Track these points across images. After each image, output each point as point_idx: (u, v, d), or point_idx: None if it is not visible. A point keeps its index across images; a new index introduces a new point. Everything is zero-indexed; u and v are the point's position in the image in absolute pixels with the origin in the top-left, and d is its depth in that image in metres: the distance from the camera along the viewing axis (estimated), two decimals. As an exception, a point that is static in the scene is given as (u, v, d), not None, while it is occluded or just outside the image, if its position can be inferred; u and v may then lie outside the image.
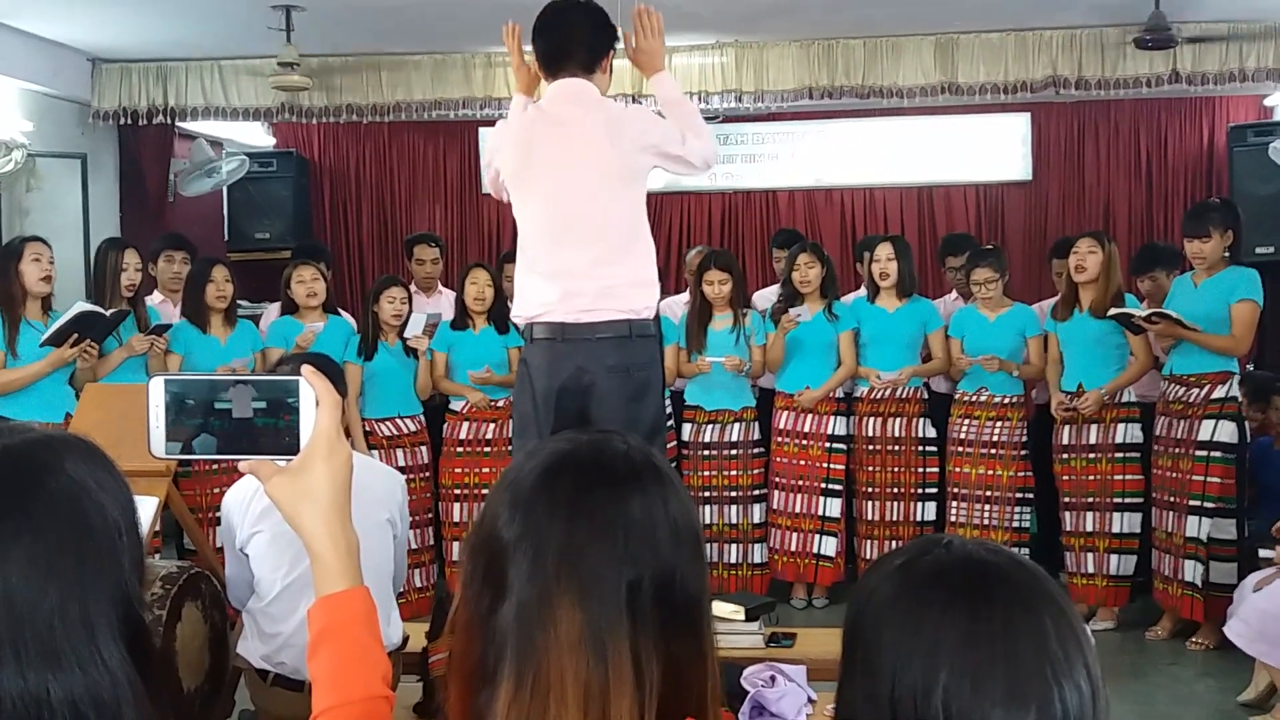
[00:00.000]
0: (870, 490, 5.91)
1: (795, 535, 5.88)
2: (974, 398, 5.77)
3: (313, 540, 1.25)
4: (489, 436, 5.78)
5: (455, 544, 5.79)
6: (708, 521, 5.80)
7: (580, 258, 3.33)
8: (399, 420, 5.74)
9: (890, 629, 1.05)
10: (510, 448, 5.44)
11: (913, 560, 1.09)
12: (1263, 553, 4.62)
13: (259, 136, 8.24)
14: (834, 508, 5.86)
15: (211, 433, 1.23)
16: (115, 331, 5.13)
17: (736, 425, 5.90)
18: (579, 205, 3.33)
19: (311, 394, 1.24)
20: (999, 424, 5.71)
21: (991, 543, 1.12)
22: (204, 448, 1.24)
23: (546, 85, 3.49)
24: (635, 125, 3.42)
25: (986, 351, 5.69)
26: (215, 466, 5.03)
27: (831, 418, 5.86)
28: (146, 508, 3.17)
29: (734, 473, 5.90)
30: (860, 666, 1.07)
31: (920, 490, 5.86)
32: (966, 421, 5.78)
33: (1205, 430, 5.11)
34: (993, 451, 5.71)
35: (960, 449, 5.79)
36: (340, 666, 1.22)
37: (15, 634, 0.99)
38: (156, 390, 1.23)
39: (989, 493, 5.72)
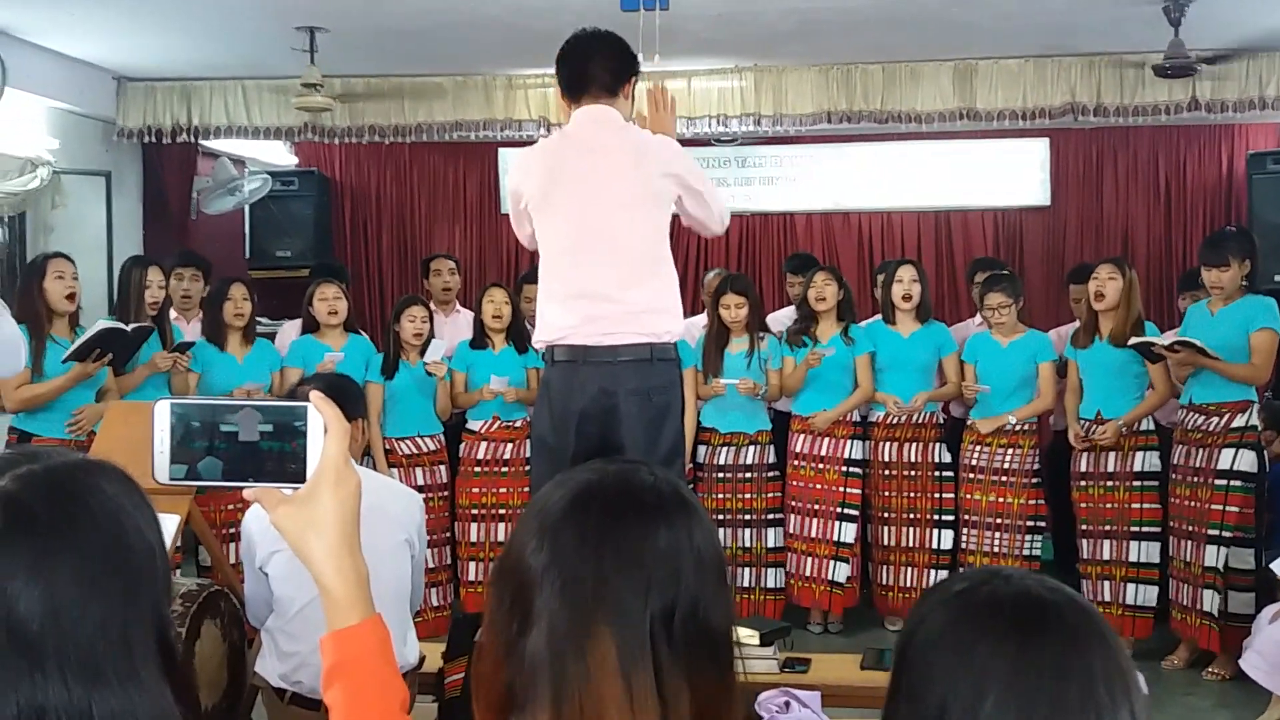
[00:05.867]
0: (886, 515, 5.90)
1: (810, 560, 5.87)
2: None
3: (321, 573, 1.23)
4: (506, 456, 5.79)
5: (471, 564, 5.81)
6: (721, 545, 5.79)
7: (604, 277, 3.36)
8: (419, 439, 5.77)
9: (941, 653, 1.08)
10: (528, 468, 5.47)
11: (970, 589, 1.12)
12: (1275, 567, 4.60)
13: (281, 155, 8.31)
14: (849, 533, 5.84)
15: (217, 456, 1.21)
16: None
17: (751, 448, 5.90)
18: (604, 225, 3.37)
19: (320, 420, 1.22)
20: (1010, 451, 5.70)
21: (1051, 580, 1.13)
22: (210, 472, 1.22)
23: (571, 112, 3.54)
24: (661, 152, 3.45)
25: (999, 376, 5.69)
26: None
27: (848, 442, 5.86)
28: (169, 525, 3.19)
29: (748, 496, 5.90)
30: (906, 689, 1.10)
31: (937, 516, 5.85)
32: (978, 448, 5.77)
33: (1225, 459, 5.09)
34: (1004, 479, 5.70)
35: (971, 475, 5.78)
36: (357, 701, 1.22)
37: (61, 647, 1.00)
38: (162, 413, 1.21)
39: (1000, 520, 5.71)
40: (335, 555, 1.23)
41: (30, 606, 1.00)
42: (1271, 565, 4.75)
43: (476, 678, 1.19)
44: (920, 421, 5.86)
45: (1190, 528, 5.23)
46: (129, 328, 5.01)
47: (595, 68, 3.45)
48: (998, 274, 6.09)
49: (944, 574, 5.75)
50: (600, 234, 3.37)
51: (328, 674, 1.23)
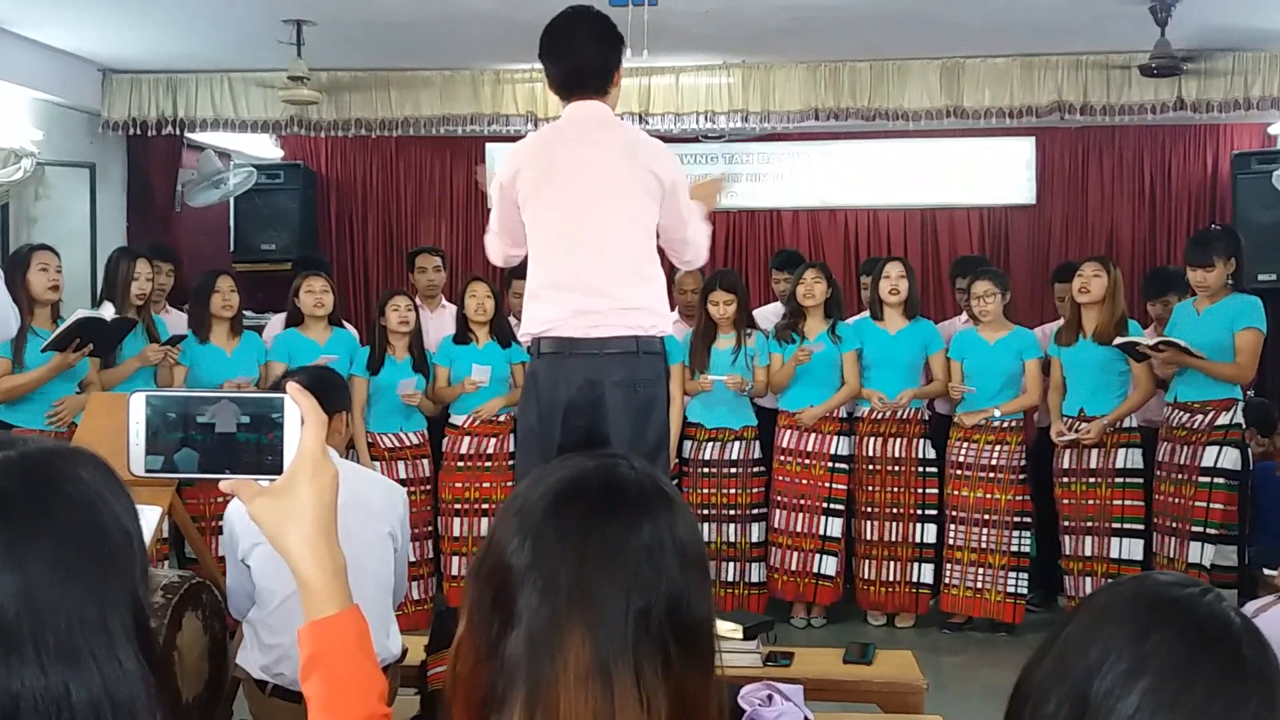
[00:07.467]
0: (869, 510, 5.91)
1: (795, 554, 5.88)
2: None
3: (299, 564, 1.23)
4: (489, 451, 5.78)
5: (455, 559, 5.80)
6: (706, 539, 5.80)
7: (595, 271, 3.36)
8: (402, 434, 5.76)
9: (1117, 624, 1.12)
10: (511, 463, 5.47)
11: (1169, 584, 1.17)
12: (1267, 572, 4.62)
13: (267, 149, 8.27)
14: (835, 527, 5.86)
15: (194, 447, 1.21)
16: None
17: (737, 444, 5.91)
18: (595, 218, 3.37)
19: (296, 412, 1.22)
20: (997, 448, 5.72)
21: (1244, 614, 1.16)
22: (186, 463, 1.21)
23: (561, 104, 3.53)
24: (651, 150, 3.46)
25: (986, 373, 5.71)
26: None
27: (834, 437, 5.87)
28: (150, 517, 3.18)
29: (733, 491, 5.90)
30: (1066, 641, 1.14)
31: (920, 511, 5.87)
32: (965, 444, 5.78)
33: (1209, 456, 5.12)
34: (991, 475, 5.72)
35: (959, 472, 5.80)
36: (335, 691, 1.22)
37: (36, 632, 1.00)
38: (137, 406, 1.20)
39: (987, 516, 5.72)
40: (312, 546, 1.23)
41: (5, 592, 1.00)
42: (1267, 571, 4.77)
43: (456, 678, 1.18)
44: (905, 417, 5.87)
45: (1174, 524, 5.26)
46: (108, 318, 4.99)
47: (585, 69, 3.43)
48: (986, 267, 6.11)
49: (928, 568, 5.82)
50: (591, 227, 3.37)
51: (306, 664, 1.23)
